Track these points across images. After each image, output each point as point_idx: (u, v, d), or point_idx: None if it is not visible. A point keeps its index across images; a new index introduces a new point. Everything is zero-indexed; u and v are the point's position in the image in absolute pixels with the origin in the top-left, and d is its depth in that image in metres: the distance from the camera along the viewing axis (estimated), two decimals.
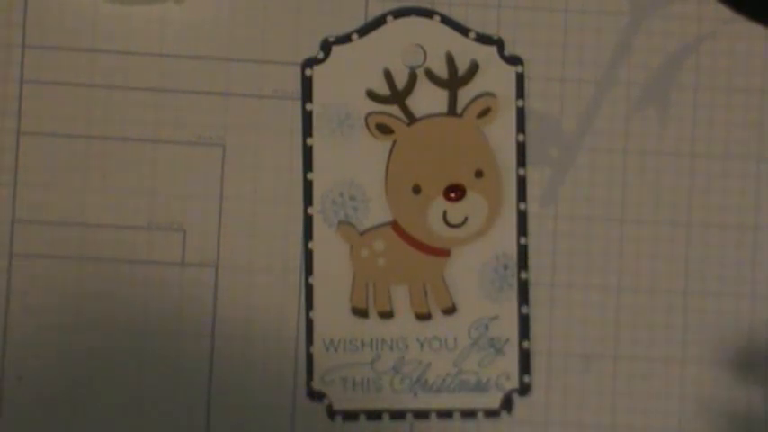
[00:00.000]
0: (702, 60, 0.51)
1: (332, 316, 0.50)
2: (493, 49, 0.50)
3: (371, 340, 0.50)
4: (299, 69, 0.50)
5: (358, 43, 0.50)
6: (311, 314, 0.50)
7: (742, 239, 0.50)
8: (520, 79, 0.50)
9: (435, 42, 0.50)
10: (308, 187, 0.50)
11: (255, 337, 0.50)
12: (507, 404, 0.50)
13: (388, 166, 0.50)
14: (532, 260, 0.50)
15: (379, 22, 0.50)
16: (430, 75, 0.50)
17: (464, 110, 0.50)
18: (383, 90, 0.50)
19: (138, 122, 0.50)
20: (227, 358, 0.49)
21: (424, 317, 0.50)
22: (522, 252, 0.50)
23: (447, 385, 0.50)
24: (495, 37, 0.50)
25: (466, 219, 0.50)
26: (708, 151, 0.50)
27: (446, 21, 0.50)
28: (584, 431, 0.50)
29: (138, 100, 0.50)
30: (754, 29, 0.51)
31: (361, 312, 0.50)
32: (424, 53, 0.50)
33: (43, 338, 0.49)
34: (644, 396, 0.50)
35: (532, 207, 0.50)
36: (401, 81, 0.50)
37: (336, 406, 0.50)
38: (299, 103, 0.50)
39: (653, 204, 0.50)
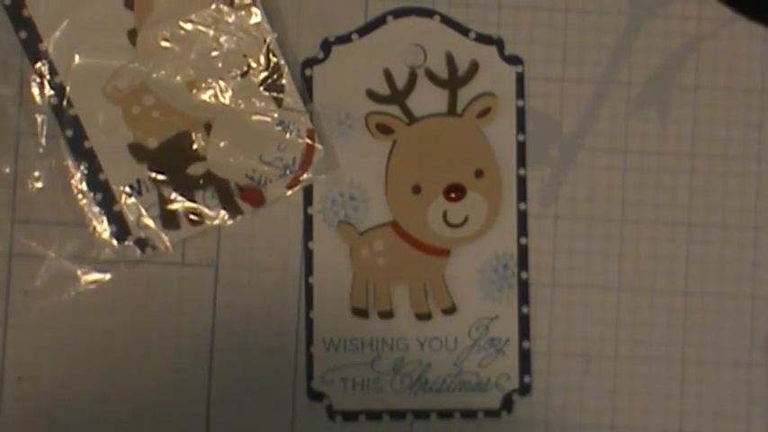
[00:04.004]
0: (702, 60, 0.51)
1: (332, 316, 0.50)
2: (493, 49, 0.50)
3: (371, 340, 0.50)
4: (299, 69, 0.50)
5: (358, 43, 0.50)
6: (311, 314, 0.50)
7: (742, 239, 0.50)
8: (520, 79, 0.50)
9: (435, 42, 0.50)
10: (308, 187, 0.50)
11: (255, 337, 0.49)
12: (507, 404, 0.50)
13: (388, 166, 0.50)
14: (532, 260, 0.50)
15: (379, 22, 0.50)
16: (430, 75, 0.50)
17: (464, 110, 0.50)
18: (383, 90, 0.50)
19: None
20: (227, 358, 0.49)
21: (424, 317, 0.50)
22: (522, 252, 0.50)
23: (447, 385, 0.50)
24: (495, 37, 0.50)
25: (466, 218, 0.50)
26: (708, 151, 0.50)
27: (446, 21, 0.50)
28: (584, 431, 0.50)
29: None
30: (754, 29, 0.51)
31: (361, 312, 0.50)
32: (424, 53, 0.50)
33: (43, 338, 0.49)
34: (644, 396, 0.50)
35: (532, 207, 0.50)
36: (401, 81, 0.50)
37: (336, 406, 0.50)
38: None
39: (653, 204, 0.50)
